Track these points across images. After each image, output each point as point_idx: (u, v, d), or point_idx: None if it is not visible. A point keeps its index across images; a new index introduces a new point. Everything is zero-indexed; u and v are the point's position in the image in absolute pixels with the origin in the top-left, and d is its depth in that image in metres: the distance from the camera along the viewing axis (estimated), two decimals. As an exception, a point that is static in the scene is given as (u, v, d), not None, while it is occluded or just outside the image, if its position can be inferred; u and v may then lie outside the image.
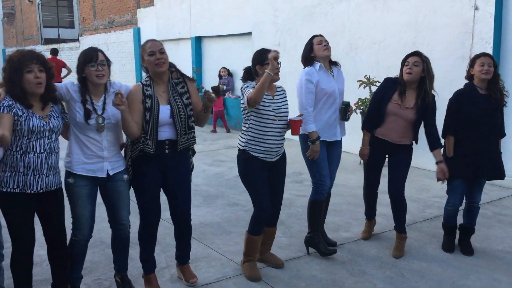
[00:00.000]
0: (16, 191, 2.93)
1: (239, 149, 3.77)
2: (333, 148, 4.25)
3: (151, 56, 3.33)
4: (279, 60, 3.66)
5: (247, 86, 3.66)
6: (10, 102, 2.88)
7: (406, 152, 4.24)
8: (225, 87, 11.73)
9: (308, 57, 4.15)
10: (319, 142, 3.99)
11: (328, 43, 4.17)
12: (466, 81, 4.29)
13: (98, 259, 4.08)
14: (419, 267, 4.05)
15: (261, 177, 3.72)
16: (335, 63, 4.28)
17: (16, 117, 2.88)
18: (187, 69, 13.05)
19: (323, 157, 4.11)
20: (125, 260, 3.59)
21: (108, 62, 3.20)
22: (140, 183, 3.43)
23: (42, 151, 2.97)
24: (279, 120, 3.68)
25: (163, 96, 3.40)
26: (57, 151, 3.10)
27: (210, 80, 12.69)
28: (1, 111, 2.83)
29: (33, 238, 3.06)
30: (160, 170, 3.43)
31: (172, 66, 3.48)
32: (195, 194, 3.71)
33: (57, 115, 3.09)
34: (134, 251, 4.05)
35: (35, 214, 3.10)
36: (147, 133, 3.31)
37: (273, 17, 10.24)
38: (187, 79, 3.55)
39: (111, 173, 3.28)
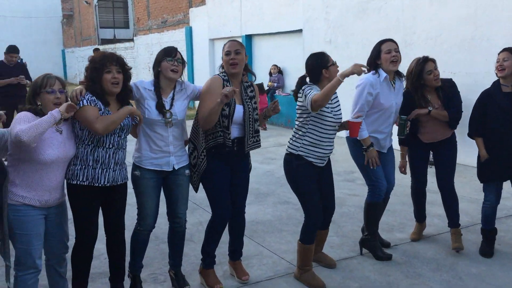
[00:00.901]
0: (85, 184, 3.07)
1: (291, 154, 3.63)
2: (386, 155, 4.14)
3: (227, 56, 3.42)
4: (334, 60, 3.63)
5: (311, 89, 3.48)
6: (92, 98, 3.07)
7: (449, 144, 4.20)
8: (275, 85, 11.73)
9: (374, 64, 3.94)
10: (373, 147, 3.90)
11: (398, 53, 3.89)
12: None
13: (153, 254, 4.18)
14: (478, 270, 3.89)
15: (314, 184, 3.62)
16: (399, 74, 4.08)
17: (99, 111, 3.05)
18: (238, 67, 13.17)
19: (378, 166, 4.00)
20: (180, 255, 3.68)
21: (183, 62, 3.37)
22: (212, 183, 3.50)
23: (110, 146, 3.12)
24: (337, 126, 3.62)
25: (237, 96, 3.46)
26: (124, 147, 3.25)
27: (260, 78, 12.70)
28: (86, 104, 3.02)
29: (97, 231, 3.20)
30: (228, 165, 3.51)
31: (246, 69, 3.55)
32: (246, 192, 3.74)
33: (128, 116, 3.23)
34: (187, 247, 4.12)
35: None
36: (228, 127, 3.38)
37: (324, 13, 10.13)
38: (253, 85, 3.62)
39: (176, 167, 3.42)
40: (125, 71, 3.18)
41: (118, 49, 22.20)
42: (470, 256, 4.15)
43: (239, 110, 3.44)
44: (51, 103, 2.91)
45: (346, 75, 3.27)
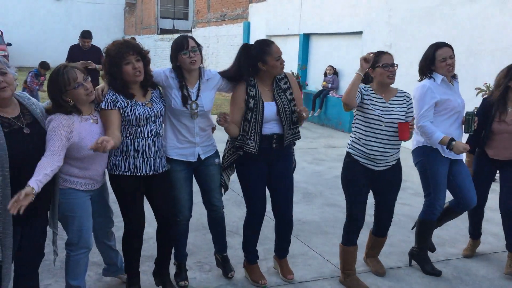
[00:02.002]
0: (127, 174, 3.09)
1: (347, 151, 3.67)
2: (459, 165, 3.92)
3: (277, 61, 3.34)
4: (395, 62, 3.52)
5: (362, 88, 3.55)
6: (114, 96, 3.01)
7: None
8: (329, 86, 11.59)
9: (427, 69, 3.81)
10: (455, 141, 3.61)
11: (453, 59, 3.76)
12: None
13: (200, 243, 4.22)
14: (534, 296, 3.70)
15: (359, 185, 3.55)
16: (454, 75, 3.94)
17: (121, 110, 3.02)
18: (293, 65, 13.11)
19: (443, 178, 3.80)
20: (223, 241, 3.71)
21: (199, 47, 3.26)
22: (246, 179, 3.49)
23: (149, 135, 3.11)
24: (385, 126, 3.47)
25: (267, 94, 3.42)
26: (161, 135, 3.24)
27: (315, 78, 12.61)
28: (106, 108, 2.98)
29: (144, 219, 3.24)
30: (265, 163, 3.47)
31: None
32: (294, 191, 3.70)
33: (158, 100, 3.22)
34: (232, 239, 4.15)
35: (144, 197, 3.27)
36: (247, 132, 3.35)
37: (387, 16, 9.91)
38: (287, 74, 3.55)
39: (202, 157, 3.40)
40: (144, 56, 3.08)
41: (176, 39, 22.59)
42: (528, 279, 3.95)
43: (270, 107, 3.38)
44: (83, 96, 2.83)
45: (364, 70, 3.29)
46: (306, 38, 12.97)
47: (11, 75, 2.53)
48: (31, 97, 2.80)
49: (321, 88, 11.66)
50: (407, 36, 9.36)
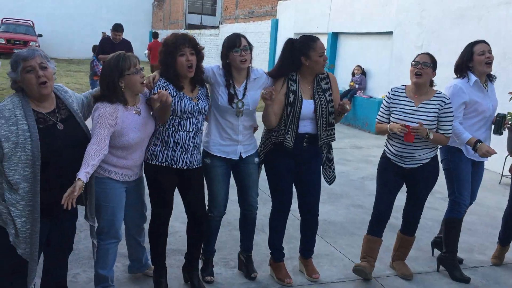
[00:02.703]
0: (164, 165, 3.12)
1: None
2: (478, 167, 3.96)
3: (320, 57, 3.35)
4: (419, 61, 3.51)
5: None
6: (165, 84, 3.07)
7: None
8: (356, 86, 11.49)
9: (464, 67, 3.78)
10: (480, 143, 3.64)
11: (491, 55, 3.76)
12: None
13: (226, 239, 4.23)
14: None
15: (387, 180, 3.67)
16: (490, 76, 3.91)
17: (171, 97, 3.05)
18: (320, 64, 13.02)
19: (466, 176, 3.83)
20: (251, 241, 3.71)
21: (250, 47, 3.29)
22: (274, 171, 3.49)
23: (190, 130, 3.15)
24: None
25: (306, 91, 3.41)
26: (202, 131, 3.28)
27: (342, 77, 12.50)
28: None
29: (171, 209, 3.27)
30: (295, 161, 3.46)
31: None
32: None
33: (204, 98, 3.26)
34: (258, 237, 4.13)
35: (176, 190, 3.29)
36: (286, 126, 3.34)
37: (419, 17, 9.76)
38: (330, 75, 3.53)
39: (243, 156, 3.40)
40: (198, 52, 3.13)
41: (203, 35, 22.71)
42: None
43: (308, 105, 3.37)
44: (139, 83, 2.90)
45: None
46: (334, 37, 12.87)
47: (51, 69, 2.55)
48: (68, 90, 2.83)
49: (348, 88, 11.56)
50: (439, 38, 9.20)
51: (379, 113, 3.71)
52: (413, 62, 3.53)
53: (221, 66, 3.36)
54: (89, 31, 27.20)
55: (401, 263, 3.92)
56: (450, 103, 3.55)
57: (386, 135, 3.69)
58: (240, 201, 3.60)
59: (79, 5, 28.76)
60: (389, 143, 3.66)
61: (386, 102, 3.65)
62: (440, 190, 6.13)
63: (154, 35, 15.75)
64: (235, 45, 3.22)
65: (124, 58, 2.87)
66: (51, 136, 2.51)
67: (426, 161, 3.61)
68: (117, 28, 8.58)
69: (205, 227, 3.45)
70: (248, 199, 3.54)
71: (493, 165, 4.80)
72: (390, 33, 10.58)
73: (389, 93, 3.66)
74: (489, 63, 3.74)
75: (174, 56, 3.05)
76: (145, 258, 3.50)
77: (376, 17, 11.06)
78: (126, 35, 8.99)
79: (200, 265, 3.60)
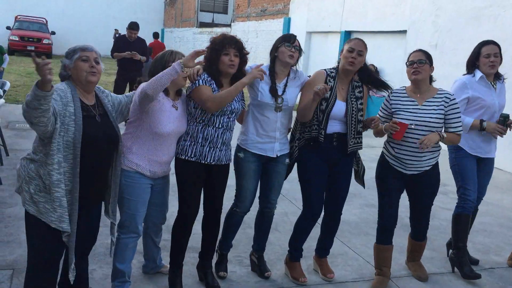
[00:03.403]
0: (193, 160, 3.16)
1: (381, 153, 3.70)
2: (485, 164, 3.95)
3: (349, 53, 3.34)
4: (413, 60, 3.47)
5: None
6: (209, 78, 3.17)
7: None
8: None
9: (473, 64, 3.88)
10: (487, 121, 3.72)
11: (498, 58, 3.80)
12: None
13: (240, 237, 4.21)
14: None
15: (389, 186, 3.57)
16: (498, 76, 3.92)
17: (213, 92, 3.13)
18: (333, 62, 12.98)
19: (471, 171, 3.83)
20: (265, 240, 3.70)
21: (300, 50, 3.37)
22: (305, 172, 3.48)
23: (220, 126, 3.20)
24: (415, 130, 3.40)
25: (341, 93, 3.41)
26: (232, 129, 3.31)
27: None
28: (202, 83, 3.13)
29: (198, 206, 3.28)
30: (326, 162, 3.45)
31: (363, 70, 3.43)
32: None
33: (239, 99, 3.32)
34: (272, 236, 4.13)
35: None
36: (321, 123, 3.34)
37: (433, 16, 9.69)
38: (365, 86, 3.50)
39: (279, 154, 3.42)
40: (243, 55, 3.23)
41: (215, 33, 22.64)
42: None
43: (340, 106, 3.37)
44: (180, 77, 2.98)
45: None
46: (347, 36, 12.81)
47: (101, 67, 2.72)
48: (105, 90, 2.93)
49: (361, 87, 11.51)
50: (453, 37, 9.13)
51: (378, 114, 3.62)
52: (407, 63, 3.49)
53: (258, 64, 3.40)
54: (101, 29, 27.39)
55: (417, 264, 3.89)
56: (455, 99, 3.50)
57: (389, 137, 3.53)
58: (261, 199, 3.60)
59: (92, 3, 28.93)
60: (391, 146, 3.54)
61: (385, 105, 3.59)
62: (453, 190, 6.07)
63: (155, 35, 16.31)
64: (289, 40, 3.32)
65: (170, 53, 3.10)
66: (92, 125, 2.64)
67: (428, 168, 3.52)
68: (133, 26, 8.61)
69: (226, 220, 3.48)
70: (270, 197, 3.55)
71: (508, 166, 4.73)
72: (404, 32, 10.52)
73: (388, 96, 3.58)
74: (491, 66, 3.79)
75: (219, 54, 3.14)
76: (159, 258, 3.52)
77: (390, 16, 11.00)
78: (138, 33, 9.03)
79: (214, 259, 3.61)
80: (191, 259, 3.70)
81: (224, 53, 3.15)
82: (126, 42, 8.61)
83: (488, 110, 3.81)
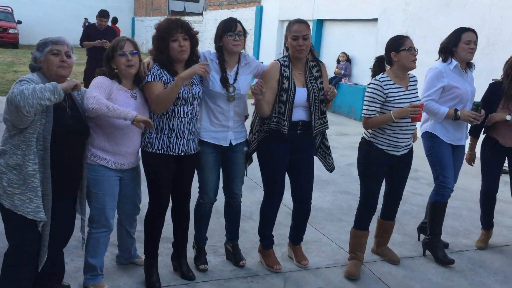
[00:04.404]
0: (160, 152, 3.10)
1: (363, 138, 3.65)
2: (458, 151, 4.03)
3: (294, 41, 3.31)
4: (416, 47, 3.49)
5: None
6: (159, 71, 3.06)
7: None
8: (342, 72, 11.51)
9: (448, 51, 3.85)
10: (461, 110, 3.77)
11: (476, 46, 3.84)
12: None
13: (214, 227, 4.22)
14: (549, 289, 3.68)
15: (379, 173, 3.60)
16: (470, 65, 3.98)
17: (165, 84, 3.05)
18: (305, 51, 12.98)
19: (448, 159, 3.89)
20: (236, 229, 3.71)
21: (244, 33, 3.28)
22: (269, 159, 3.46)
23: (185, 116, 3.13)
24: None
25: (299, 78, 3.39)
26: (197, 117, 3.25)
27: (328, 64, 12.40)
28: (152, 80, 3.03)
29: (169, 198, 3.25)
30: (289, 150, 3.44)
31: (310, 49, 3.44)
32: (307, 177, 3.68)
33: (198, 83, 3.23)
34: (247, 224, 4.14)
35: None
36: (283, 114, 3.32)
37: (403, 4, 9.78)
38: (320, 63, 3.50)
39: (233, 143, 3.38)
40: (192, 36, 3.12)
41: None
42: (542, 273, 3.93)
43: (301, 93, 3.35)
44: (123, 65, 2.94)
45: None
46: (319, 24, 12.83)
47: (73, 60, 2.70)
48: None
49: (334, 75, 11.57)
50: (424, 25, 9.24)
51: (369, 107, 3.45)
52: (406, 47, 3.44)
53: (211, 51, 3.34)
54: (70, 18, 26.68)
55: (387, 248, 3.96)
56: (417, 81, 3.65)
57: (385, 126, 3.48)
58: (224, 189, 3.59)
59: (60, -9, 28.19)
60: (388, 134, 3.49)
61: (379, 94, 3.42)
62: (425, 176, 6.21)
63: (114, 20, 16.56)
64: (230, 29, 3.22)
65: (116, 41, 2.99)
66: (62, 117, 2.63)
67: (412, 145, 3.66)
68: (103, 14, 8.41)
69: (195, 213, 3.44)
70: (233, 187, 3.54)
71: (477, 151, 4.87)
72: (375, 19, 10.60)
73: (377, 85, 3.44)
74: (471, 53, 3.82)
75: (167, 41, 3.04)
76: (134, 248, 3.49)
77: (361, 4, 11.05)
78: (108, 22, 8.84)
79: (193, 254, 3.60)
80: (165, 250, 3.68)
81: (172, 40, 3.03)
82: (96, 30, 8.40)
83: (462, 98, 3.84)
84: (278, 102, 3.32)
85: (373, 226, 3.83)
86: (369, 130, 3.60)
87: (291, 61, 3.40)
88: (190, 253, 3.59)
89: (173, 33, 3.03)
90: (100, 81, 2.90)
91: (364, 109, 3.49)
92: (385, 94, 3.44)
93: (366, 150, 3.61)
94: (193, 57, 3.17)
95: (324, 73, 3.51)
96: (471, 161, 4.27)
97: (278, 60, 3.44)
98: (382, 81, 3.47)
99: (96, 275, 3.11)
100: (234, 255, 3.68)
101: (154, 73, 3.05)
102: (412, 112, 3.33)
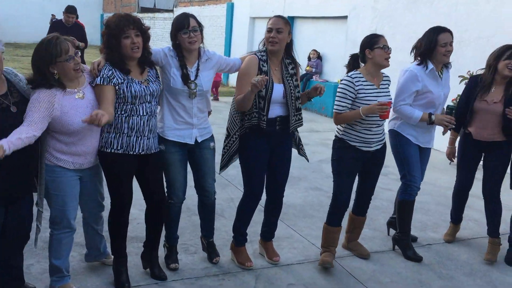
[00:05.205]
0: (120, 152, 3.01)
1: (336, 136, 3.68)
2: (424, 153, 4.04)
3: (268, 33, 3.31)
4: (389, 46, 3.52)
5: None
6: (110, 72, 2.92)
7: (501, 150, 3.98)
8: (313, 70, 11.58)
9: (425, 54, 3.77)
10: (434, 114, 3.77)
11: (452, 48, 3.78)
12: None
13: (185, 225, 4.18)
14: (513, 280, 3.79)
15: (352, 169, 3.63)
16: (446, 64, 3.93)
17: (117, 86, 2.94)
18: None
19: (415, 158, 3.92)
20: (211, 226, 3.69)
21: (200, 27, 3.20)
22: (248, 158, 3.45)
23: (144, 114, 3.05)
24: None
25: (276, 74, 3.38)
26: (156, 114, 3.19)
27: (299, 61, 12.56)
28: (102, 83, 2.90)
29: (131, 197, 3.18)
30: (269, 146, 3.44)
31: (288, 50, 3.44)
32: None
33: (154, 80, 3.15)
34: (218, 222, 4.11)
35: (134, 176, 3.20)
36: (263, 109, 3.30)
37: (372, 1, 9.88)
38: (295, 61, 3.52)
39: (199, 140, 3.34)
40: (144, 32, 3.00)
41: (157, 18, 22.22)
42: (506, 265, 4.02)
43: (278, 89, 3.36)
44: (72, 70, 2.74)
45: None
46: (290, 21, 12.81)
47: None
48: (18, 73, 2.72)
49: (305, 72, 11.63)
50: (392, 22, 9.36)
51: (340, 103, 3.48)
52: (381, 45, 3.46)
53: (171, 48, 3.26)
54: (37, 14, 26.04)
55: (357, 243, 4.00)
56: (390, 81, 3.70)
57: (356, 123, 3.51)
58: (197, 187, 3.55)
59: (26, -13, 27.49)
60: (358, 130, 3.52)
61: (350, 91, 3.46)
62: (394, 171, 6.28)
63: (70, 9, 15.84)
64: (183, 27, 3.13)
65: (56, 44, 2.68)
66: (5, 117, 2.49)
67: (384, 140, 3.70)
68: (70, 10, 8.19)
69: (166, 214, 3.38)
70: (205, 185, 3.50)
71: (445, 147, 4.98)
72: (345, 17, 10.69)
73: (348, 81, 3.47)
74: (448, 55, 3.78)
75: (118, 39, 2.90)
76: (103, 246, 3.41)
77: (332, 1, 11.12)
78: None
79: (164, 253, 3.56)
80: (135, 249, 3.64)
81: (124, 37, 2.89)
82: (63, 27, 8.18)
83: (434, 103, 3.84)
84: (258, 97, 3.29)
85: (344, 221, 3.85)
86: (341, 128, 3.62)
87: (269, 57, 3.39)
88: (161, 252, 3.55)
89: (125, 30, 2.88)
90: (34, 100, 2.63)
91: (335, 105, 3.52)
92: (356, 90, 3.47)
93: (339, 147, 3.64)
94: (145, 53, 3.05)
95: (297, 71, 3.53)
96: (451, 156, 4.26)
97: (255, 54, 3.40)
98: (354, 78, 3.50)
99: (62, 276, 3.04)
100: (209, 252, 3.66)
101: (104, 75, 2.91)
102: (380, 110, 3.36)
